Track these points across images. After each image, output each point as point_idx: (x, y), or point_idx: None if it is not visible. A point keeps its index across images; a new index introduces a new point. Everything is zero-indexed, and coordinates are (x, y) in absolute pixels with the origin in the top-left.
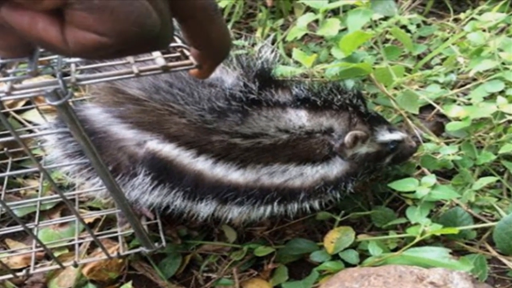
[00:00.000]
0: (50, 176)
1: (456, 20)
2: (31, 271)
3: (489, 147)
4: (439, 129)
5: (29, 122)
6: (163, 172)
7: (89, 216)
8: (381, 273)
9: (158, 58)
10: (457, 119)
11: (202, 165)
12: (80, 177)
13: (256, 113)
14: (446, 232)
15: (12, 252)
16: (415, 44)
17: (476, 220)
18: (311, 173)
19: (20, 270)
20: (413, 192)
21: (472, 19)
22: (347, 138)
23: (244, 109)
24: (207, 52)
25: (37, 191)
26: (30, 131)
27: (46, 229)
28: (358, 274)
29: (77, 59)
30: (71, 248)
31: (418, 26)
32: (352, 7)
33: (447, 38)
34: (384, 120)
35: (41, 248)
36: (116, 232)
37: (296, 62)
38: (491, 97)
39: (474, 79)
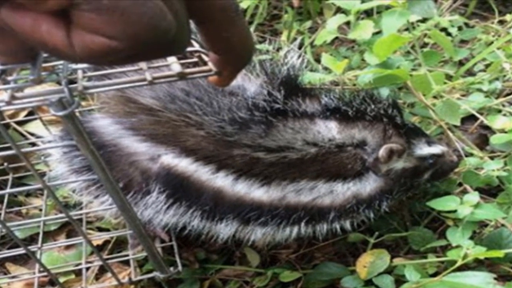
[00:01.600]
0: (54, 193)
1: (501, 22)
2: None
3: None
4: (482, 142)
5: (32, 134)
6: (179, 189)
7: (98, 238)
8: None
9: (173, 64)
10: (503, 131)
11: (222, 181)
12: (87, 195)
13: (282, 124)
14: (490, 256)
15: (13, 277)
16: (457, 49)
17: None
18: (342, 191)
19: None
20: (454, 211)
21: None
22: (382, 152)
23: (268, 120)
24: (228, 58)
25: (41, 210)
26: (33, 144)
27: (50, 252)
28: None
29: (85, 65)
30: (78, 273)
31: (459, 28)
32: (387, 7)
33: (492, 42)
34: (422, 132)
35: (45, 273)
36: (127, 255)
37: (326, 69)
38: None
39: None
